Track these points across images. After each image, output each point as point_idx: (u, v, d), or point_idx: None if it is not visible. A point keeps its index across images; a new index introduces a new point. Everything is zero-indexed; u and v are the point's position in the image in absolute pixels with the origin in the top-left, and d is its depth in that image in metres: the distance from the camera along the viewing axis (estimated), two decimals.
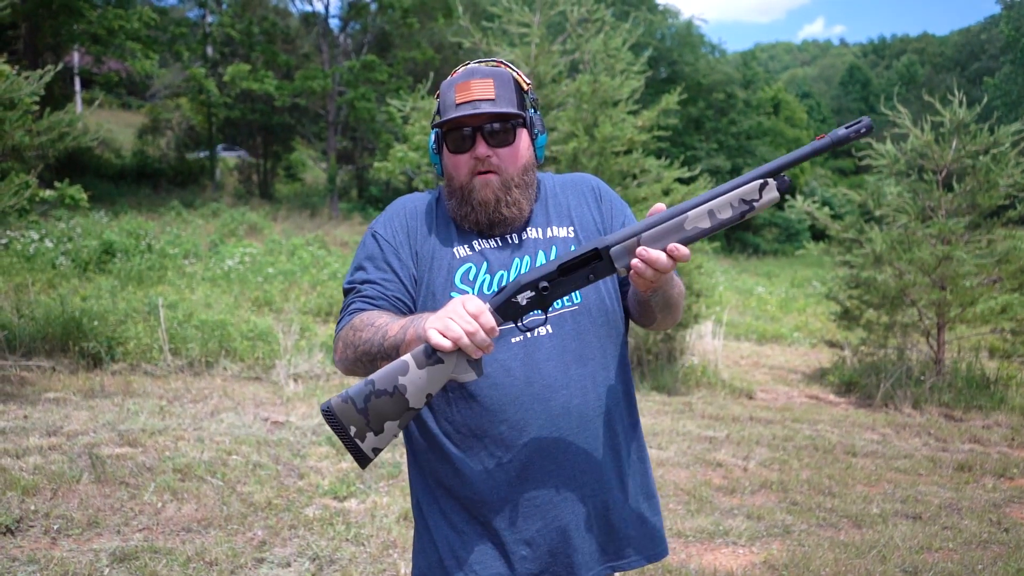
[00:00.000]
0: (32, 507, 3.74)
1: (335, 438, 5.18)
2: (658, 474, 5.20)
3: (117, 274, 11.21)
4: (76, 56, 25.48)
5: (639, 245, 1.44)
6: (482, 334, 1.36)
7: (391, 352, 1.46)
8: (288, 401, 6.35)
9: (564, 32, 8.74)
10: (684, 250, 1.43)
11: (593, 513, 1.59)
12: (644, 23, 28.72)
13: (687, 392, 8.21)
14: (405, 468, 4.79)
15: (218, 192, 26.64)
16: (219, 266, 12.91)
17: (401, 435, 1.62)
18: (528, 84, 1.65)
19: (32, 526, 3.58)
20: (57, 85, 21.35)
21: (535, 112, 1.66)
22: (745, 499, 4.86)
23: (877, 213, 8.30)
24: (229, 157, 30.94)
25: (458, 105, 1.56)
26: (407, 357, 1.42)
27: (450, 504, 1.60)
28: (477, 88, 1.56)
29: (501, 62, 1.65)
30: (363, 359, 1.52)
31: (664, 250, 1.42)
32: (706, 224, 1.45)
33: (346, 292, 1.64)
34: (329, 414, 1.44)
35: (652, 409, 7.20)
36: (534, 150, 1.64)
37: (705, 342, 8.75)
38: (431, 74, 9.86)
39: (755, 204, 1.44)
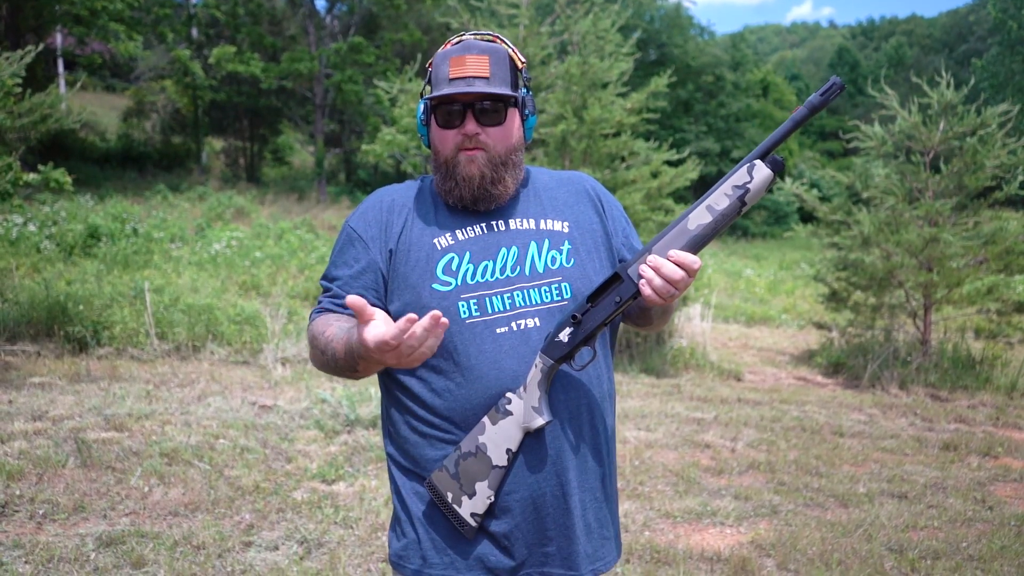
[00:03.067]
0: (17, 492, 3.72)
1: (324, 421, 5.17)
2: (646, 455, 5.22)
3: (103, 258, 11.11)
4: (59, 37, 25.13)
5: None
6: (408, 344, 1.30)
7: (347, 356, 1.44)
8: (276, 385, 6.33)
9: (553, 13, 8.68)
10: (687, 256, 1.42)
11: (578, 510, 1.57)
12: (633, 5, 28.59)
13: (675, 374, 8.24)
14: None
15: (204, 176, 26.43)
16: (206, 250, 12.82)
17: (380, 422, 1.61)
18: (523, 63, 1.62)
19: (17, 511, 3.56)
20: (40, 67, 21.04)
21: (527, 92, 1.63)
22: (733, 480, 4.88)
23: (865, 195, 8.31)
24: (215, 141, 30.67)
25: (451, 80, 1.54)
26: (485, 418, 1.50)
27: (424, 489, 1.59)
28: (472, 64, 1.53)
29: (498, 37, 1.62)
30: (329, 370, 1.53)
31: (668, 258, 1.42)
32: (708, 219, 1.45)
33: (322, 289, 1.65)
34: (430, 485, 1.53)
35: (641, 391, 7.22)
36: (523, 131, 1.62)
37: (694, 324, 8.76)
38: (419, 55, 9.78)
39: (748, 187, 1.43)
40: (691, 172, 8.00)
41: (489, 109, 1.54)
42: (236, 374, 6.65)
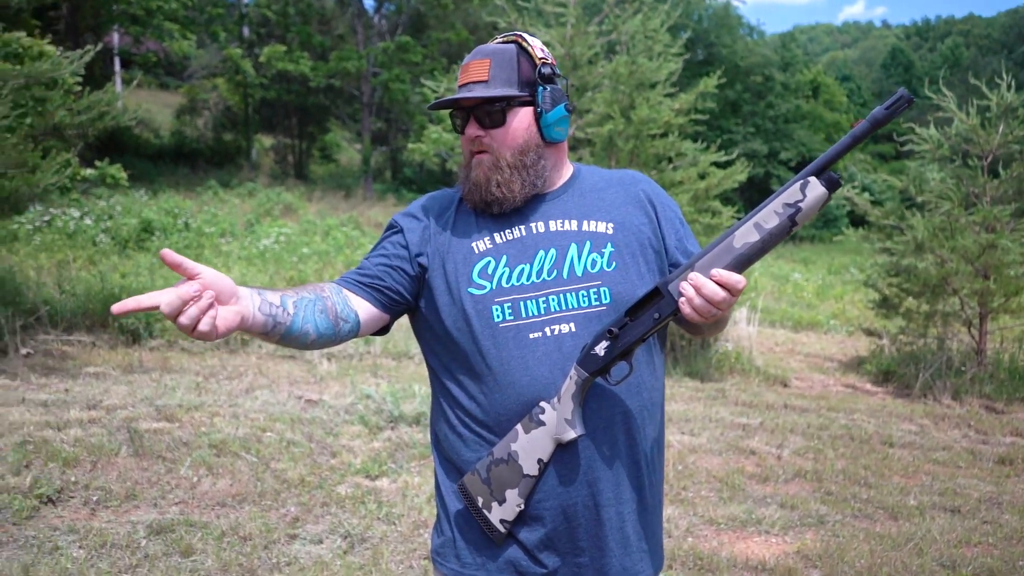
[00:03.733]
0: (72, 479, 3.82)
1: (368, 417, 5.21)
2: (690, 460, 5.17)
3: (155, 252, 11.39)
4: (116, 36, 25.80)
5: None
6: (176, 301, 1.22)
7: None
8: (321, 380, 6.41)
9: (601, 12, 8.63)
10: (731, 276, 1.36)
11: (612, 522, 1.53)
12: (682, 4, 28.33)
13: (720, 378, 8.14)
14: None
15: (254, 172, 26.89)
16: (255, 245, 13.05)
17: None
18: (541, 58, 1.58)
19: (72, 497, 3.66)
20: (97, 65, 21.64)
21: (545, 88, 1.57)
22: (779, 488, 4.80)
23: (919, 199, 8.10)
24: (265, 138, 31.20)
25: (459, 87, 1.56)
26: (518, 426, 1.48)
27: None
28: (473, 70, 1.54)
29: (520, 36, 1.59)
30: None
31: (710, 277, 1.37)
32: (755, 237, 1.38)
33: None
34: (462, 488, 1.53)
35: (684, 395, 7.15)
36: (538, 128, 1.57)
37: (739, 328, 8.65)
38: (465, 56, 9.80)
39: (800, 205, 1.36)
40: (740, 174, 7.89)
41: (488, 112, 1.53)
42: (283, 368, 6.75)
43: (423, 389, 5.79)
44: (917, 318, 8.35)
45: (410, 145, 10.71)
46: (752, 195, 28.98)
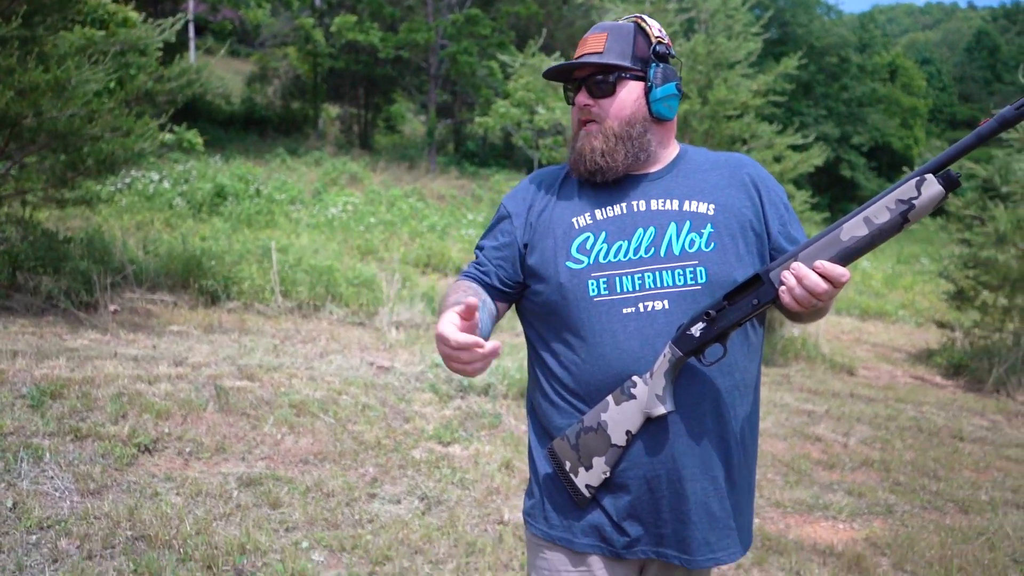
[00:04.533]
0: (166, 430, 4.03)
1: (438, 386, 5.35)
2: None
3: (228, 216, 11.72)
4: (191, 4, 26.35)
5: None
6: (458, 356, 1.39)
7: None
8: (391, 347, 6.57)
9: None
10: (836, 268, 1.37)
11: (696, 497, 1.56)
12: None
13: (785, 364, 8.08)
14: (505, 418, 4.92)
15: (320, 141, 27.30)
16: (323, 213, 13.33)
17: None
18: (657, 37, 1.62)
19: (167, 447, 3.87)
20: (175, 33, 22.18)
21: (658, 65, 1.60)
22: (845, 475, 4.79)
23: (1004, 190, 7.86)
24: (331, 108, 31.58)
25: (573, 60, 1.62)
26: (609, 397, 1.53)
27: None
28: (590, 42, 1.60)
29: (639, 17, 1.64)
30: None
31: (814, 268, 1.38)
32: (863, 232, 1.38)
33: (475, 254, 1.78)
34: (551, 452, 1.60)
35: None
36: (646, 103, 1.60)
37: None
38: (543, 31, 9.78)
39: (914, 203, 1.35)
40: (816, 158, 7.74)
41: (599, 82, 1.58)
42: (353, 334, 6.94)
43: (492, 361, 5.90)
44: (994, 312, 8.14)
45: (477, 119, 10.78)
46: (821, 180, 28.30)
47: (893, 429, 5.94)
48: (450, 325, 1.40)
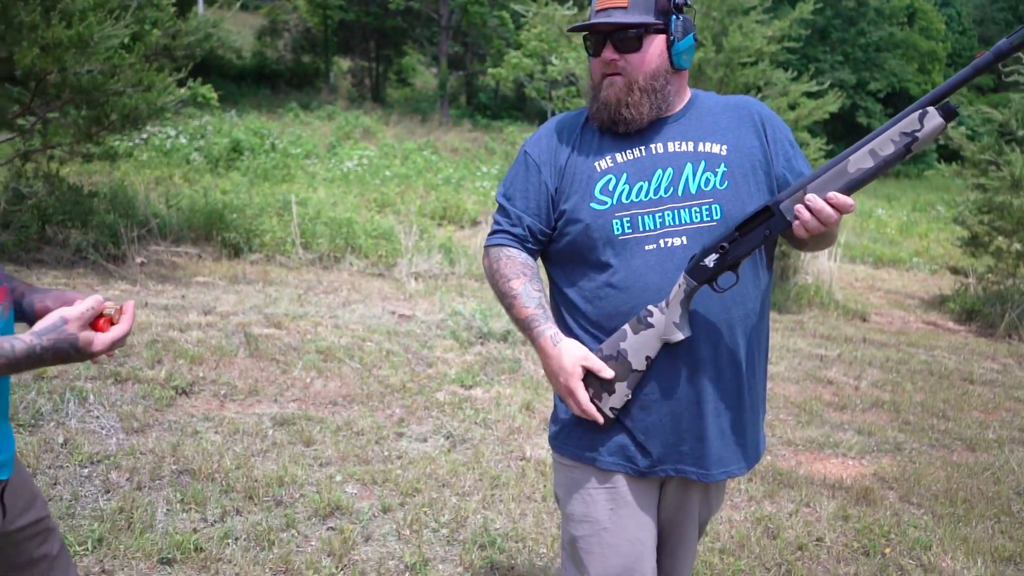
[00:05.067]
0: (200, 374, 4.21)
1: (459, 333, 5.50)
2: (768, 386, 5.31)
3: (245, 171, 11.83)
4: None
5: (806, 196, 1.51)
6: (584, 409, 1.68)
7: (517, 324, 1.77)
8: (411, 297, 6.72)
9: None
10: (846, 199, 1.48)
11: (711, 416, 1.69)
12: None
13: (798, 311, 8.17)
14: (525, 363, 5.07)
15: (333, 95, 27.21)
16: (338, 167, 13.40)
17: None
18: None
19: (203, 390, 4.05)
20: None
21: (678, 17, 1.67)
22: (856, 416, 4.93)
23: (1020, 134, 7.83)
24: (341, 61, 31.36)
25: (596, 12, 1.66)
26: (626, 326, 1.65)
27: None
28: None
29: None
30: (501, 302, 1.80)
31: (826, 200, 1.48)
32: (869, 164, 1.47)
33: (498, 206, 1.84)
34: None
35: None
36: (669, 56, 1.67)
37: (819, 262, 8.61)
38: None
39: (917, 135, 1.43)
40: (831, 105, 7.73)
41: (626, 38, 1.64)
42: (374, 285, 7.09)
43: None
44: (1007, 257, 8.18)
45: (489, 70, 10.75)
46: (836, 127, 27.95)
47: (904, 372, 6.05)
48: (584, 393, 1.68)
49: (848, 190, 1.50)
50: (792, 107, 7.66)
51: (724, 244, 1.57)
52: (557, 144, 1.78)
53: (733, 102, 1.79)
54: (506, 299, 1.75)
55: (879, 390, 5.52)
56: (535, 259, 1.81)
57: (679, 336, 1.61)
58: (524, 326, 1.73)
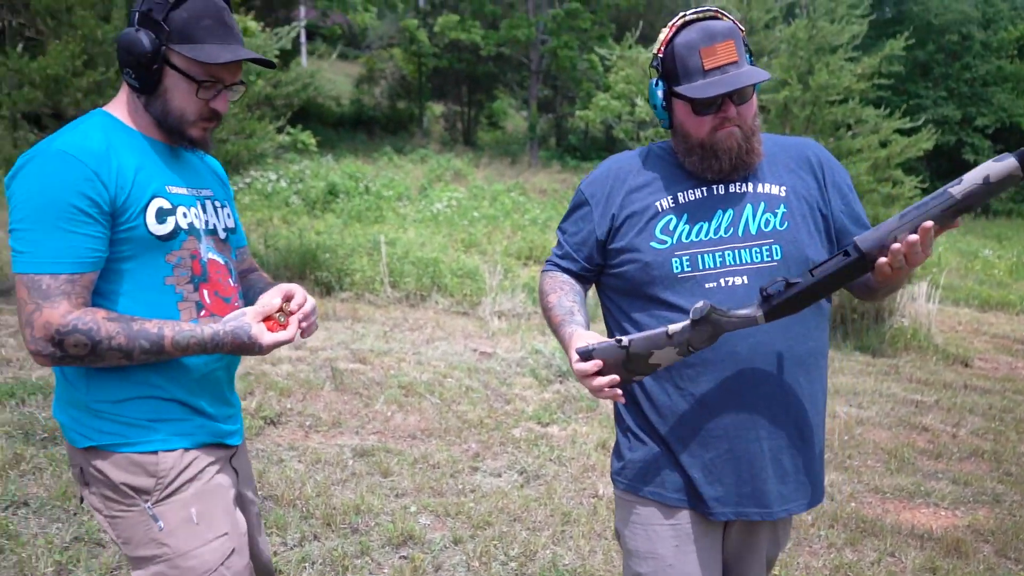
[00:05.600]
0: (288, 406, 4.40)
1: (538, 371, 5.55)
2: (857, 431, 5.13)
3: (340, 213, 12.32)
4: (302, 11, 27.56)
5: (895, 240, 1.48)
6: (593, 384, 1.59)
7: (554, 332, 1.81)
8: (493, 335, 6.83)
9: None
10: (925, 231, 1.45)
11: (770, 452, 1.70)
12: None
13: (894, 355, 7.86)
14: (602, 402, 5.07)
15: (425, 139, 28.02)
16: (428, 209, 13.77)
17: None
18: (743, 30, 1.73)
19: (289, 421, 4.23)
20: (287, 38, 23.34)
21: (754, 62, 1.73)
22: (951, 464, 4.70)
23: None
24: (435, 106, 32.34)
25: (707, 71, 1.65)
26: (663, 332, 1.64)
27: (639, 421, 1.80)
28: (723, 52, 1.65)
29: (718, 12, 1.71)
30: (544, 317, 1.88)
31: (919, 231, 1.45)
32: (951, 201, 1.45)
33: (557, 238, 1.94)
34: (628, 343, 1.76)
35: (854, 369, 7.00)
36: (756, 99, 1.74)
37: (918, 304, 8.27)
38: (639, 23, 9.82)
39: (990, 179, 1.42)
40: (925, 142, 7.49)
41: (743, 91, 1.66)
42: (458, 323, 7.24)
43: None
44: None
45: (577, 112, 10.90)
46: (940, 165, 26.90)
47: (1008, 421, 5.73)
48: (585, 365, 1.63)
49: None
50: (883, 144, 7.47)
51: (790, 280, 1.55)
52: (613, 184, 1.82)
53: (791, 143, 1.83)
54: (546, 313, 1.83)
55: (979, 439, 5.25)
56: (583, 285, 1.88)
57: (698, 306, 1.55)
58: (556, 331, 1.78)
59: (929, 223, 1.45)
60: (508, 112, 33.17)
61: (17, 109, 5.51)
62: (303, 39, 30.37)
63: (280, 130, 7.09)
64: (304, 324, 1.62)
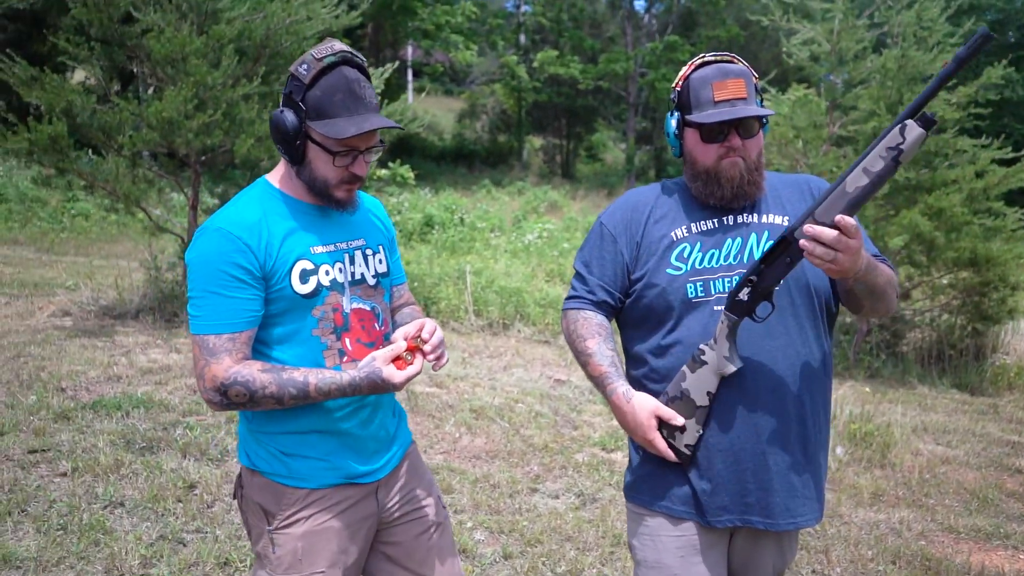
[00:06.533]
0: None
1: None
2: (940, 470, 4.96)
3: (434, 243, 12.73)
4: (409, 50, 28.74)
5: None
6: (663, 454, 1.80)
7: (592, 380, 1.92)
8: (570, 364, 6.94)
9: (871, 6, 8.28)
10: (847, 220, 1.56)
11: (775, 466, 1.79)
12: None
13: (995, 393, 7.49)
14: None
15: (524, 172, 28.53)
16: (520, 240, 14.03)
17: None
18: (756, 77, 1.88)
19: None
20: (393, 76, 24.39)
21: (762, 103, 1.88)
22: None
23: None
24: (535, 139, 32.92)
25: (717, 103, 1.81)
26: (684, 367, 1.80)
27: None
28: (732, 87, 1.81)
29: (734, 57, 1.87)
30: (577, 360, 1.97)
31: (835, 223, 1.57)
32: (864, 181, 1.59)
33: (575, 272, 2.03)
34: None
35: (948, 407, 6.72)
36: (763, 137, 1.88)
37: (1021, 340, 7.86)
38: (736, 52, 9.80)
39: (902, 147, 1.55)
40: None
41: (749, 125, 1.82)
42: (538, 351, 7.39)
43: None
44: None
45: None
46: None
47: None
48: (662, 441, 1.81)
49: (850, 210, 1.61)
50: (979, 175, 7.20)
51: (752, 277, 1.72)
52: (631, 216, 1.96)
53: (793, 179, 1.98)
54: (582, 357, 1.93)
55: None
56: (609, 321, 1.99)
57: (731, 368, 1.75)
58: (598, 383, 1.90)
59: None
60: (607, 144, 33.37)
61: (136, 149, 6.09)
62: (409, 77, 31.64)
63: (381, 164, 7.48)
64: (432, 357, 1.77)
